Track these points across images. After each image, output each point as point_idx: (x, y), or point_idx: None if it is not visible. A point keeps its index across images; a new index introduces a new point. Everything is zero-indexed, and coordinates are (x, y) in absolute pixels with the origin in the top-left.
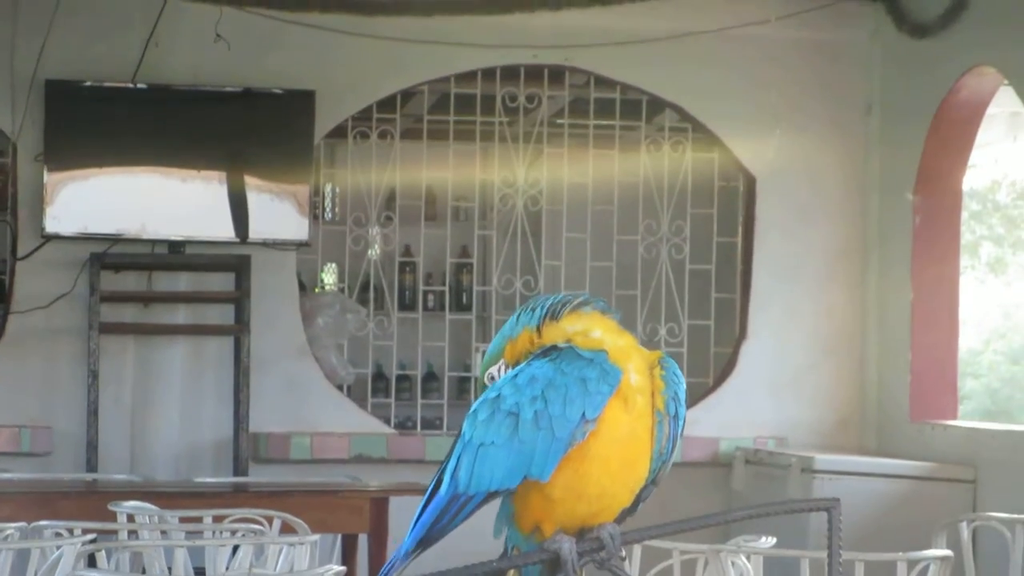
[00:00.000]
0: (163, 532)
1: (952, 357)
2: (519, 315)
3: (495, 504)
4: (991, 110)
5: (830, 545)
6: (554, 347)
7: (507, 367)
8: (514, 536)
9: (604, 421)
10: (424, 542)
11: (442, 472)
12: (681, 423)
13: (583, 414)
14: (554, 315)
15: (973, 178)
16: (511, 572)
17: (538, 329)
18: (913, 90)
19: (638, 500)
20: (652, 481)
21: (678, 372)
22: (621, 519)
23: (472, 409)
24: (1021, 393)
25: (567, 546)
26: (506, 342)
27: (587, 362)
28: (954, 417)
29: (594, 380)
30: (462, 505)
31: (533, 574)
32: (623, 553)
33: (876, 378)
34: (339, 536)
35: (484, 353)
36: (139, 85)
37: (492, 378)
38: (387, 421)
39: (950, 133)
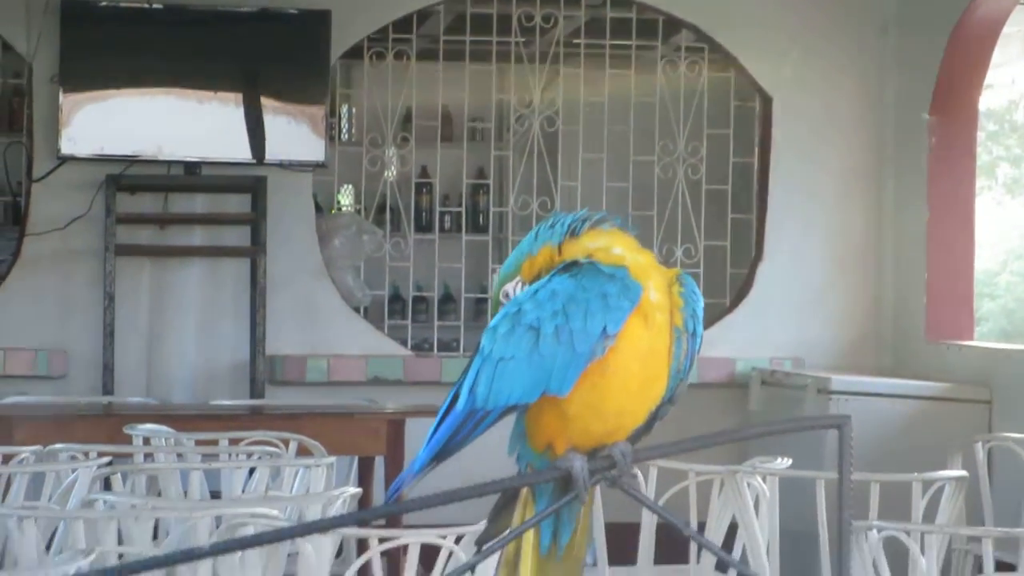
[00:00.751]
0: (179, 455)
1: (968, 277)
2: (538, 232)
3: (509, 421)
4: (1007, 29)
5: (841, 462)
6: (575, 263)
7: (524, 284)
8: (527, 454)
9: (624, 337)
10: (438, 457)
11: (459, 387)
12: (699, 340)
13: (604, 328)
14: (574, 232)
15: (990, 98)
16: (524, 490)
17: (559, 246)
18: (929, 9)
19: (653, 419)
20: (669, 400)
21: (696, 289)
22: (636, 438)
23: (491, 324)
24: None
25: (579, 464)
26: (525, 259)
27: (608, 277)
28: (970, 337)
29: (615, 295)
30: (479, 420)
31: (546, 492)
32: (635, 471)
33: (892, 298)
34: (355, 458)
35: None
36: (155, 5)
37: (507, 295)
38: (404, 343)
39: (966, 52)
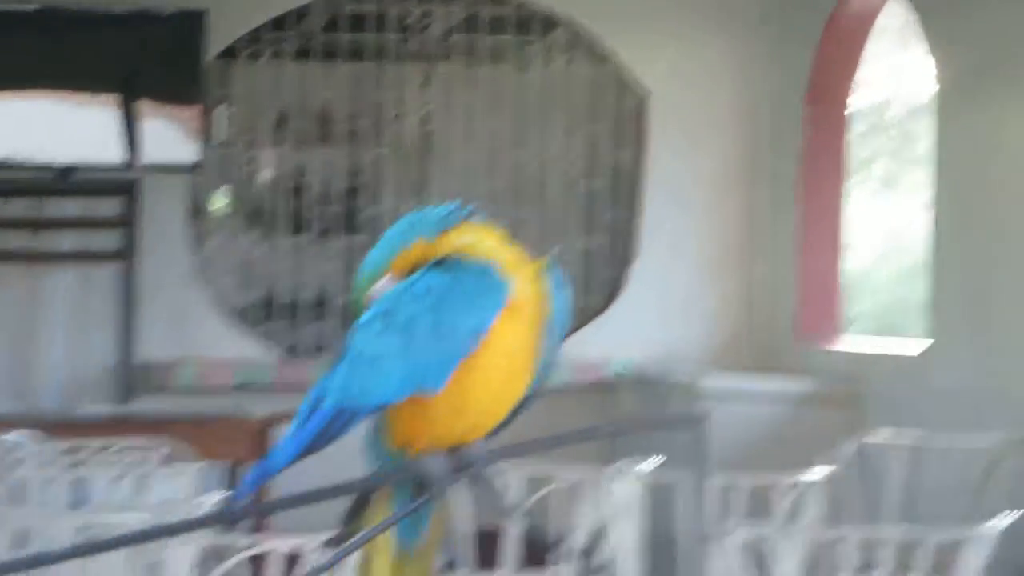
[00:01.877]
0: (42, 463)
1: (836, 278)
2: (410, 225)
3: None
4: (883, 21)
5: (698, 459)
6: (444, 258)
7: (395, 280)
8: (382, 453)
9: (492, 333)
10: (300, 456)
11: (325, 386)
12: (565, 332)
13: (477, 325)
14: (445, 226)
15: (868, 93)
16: (380, 490)
17: (433, 240)
18: (805, 1)
19: (515, 413)
20: (534, 392)
21: (562, 280)
22: (493, 434)
23: (362, 321)
24: (911, 313)
25: (436, 463)
26: (397, 253)
27: (479, 273)
28: (840, 337)
29: (486, 292)
30: (348, 419)
31: (403, 491)
32: (493, 470)
33: (763, 298)
34: (229, 464)
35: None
36: (29, 6)
37: (377, 292)
38: (277, 346)
39: (839, 46)
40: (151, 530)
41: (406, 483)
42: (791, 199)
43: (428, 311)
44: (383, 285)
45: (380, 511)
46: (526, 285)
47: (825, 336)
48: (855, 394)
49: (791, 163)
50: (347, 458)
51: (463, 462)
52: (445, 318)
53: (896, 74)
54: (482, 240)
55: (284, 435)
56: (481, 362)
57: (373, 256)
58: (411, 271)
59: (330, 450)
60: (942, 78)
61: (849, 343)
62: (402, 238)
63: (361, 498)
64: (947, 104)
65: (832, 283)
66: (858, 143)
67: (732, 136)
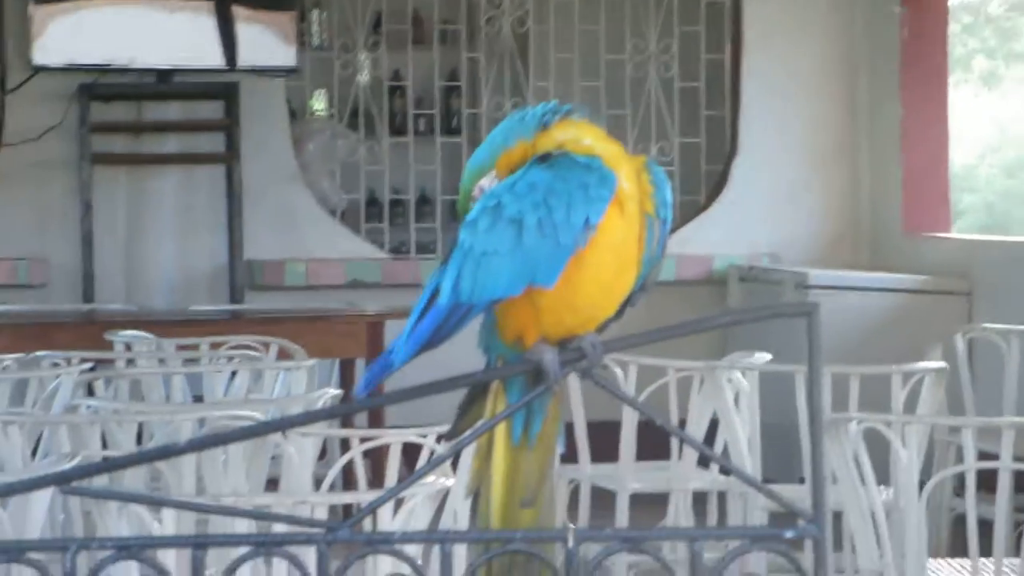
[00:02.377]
0: (160, 360)
1: (943, 169)
2: (511, 125)
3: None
4: None
5: (810, 350)
6: (548, 155)
7: (498, 178)
8: (497, 346)
9: (600, 228)
10: (418, 352)
11: (439, 282)
12: (668, 226)
13: (587, 219)
14: (546, 124)
15: None
16: (495, 382)
17: (533, 139)
18: None
19: (624, 307)
20: (641, 287)
21: (664, 176)
22: (604, 328)
23: (470, 217)
24: (1017, 206)
25: (549, 355)
26: (500, 152)
27: (585, 168)
28: (947, 230)
29: (594, 185)
30: (463, 315)
31: (517, 384)
32: (605, 362)
33: (868, 192)
34: (336, 361)
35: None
36: None
37: (482, 189)
38: (381, 246)
39: None
40: (275, 422)
41: (520, 375)
42: (894, 94)
43: (534, 207)
44: (486, 183)
45: (495, 403)
46: (628, 180)
47: (933, 229)
48: (965, 287)
49: (891, 58)
50: (463, 351)
51: (575, 354)
52: (552, 214)
53: None
54: (583, 136)
55: (401, 332)
56: (591, 256)
57: (476, 157)
58: (514, 170)
59: (447, 343)
60: None
61: (957, 235)
62: (503, 138)
63: (475, 391)
64: None
65: (939, 175)
66: (959, 38)
67: (829, 32)
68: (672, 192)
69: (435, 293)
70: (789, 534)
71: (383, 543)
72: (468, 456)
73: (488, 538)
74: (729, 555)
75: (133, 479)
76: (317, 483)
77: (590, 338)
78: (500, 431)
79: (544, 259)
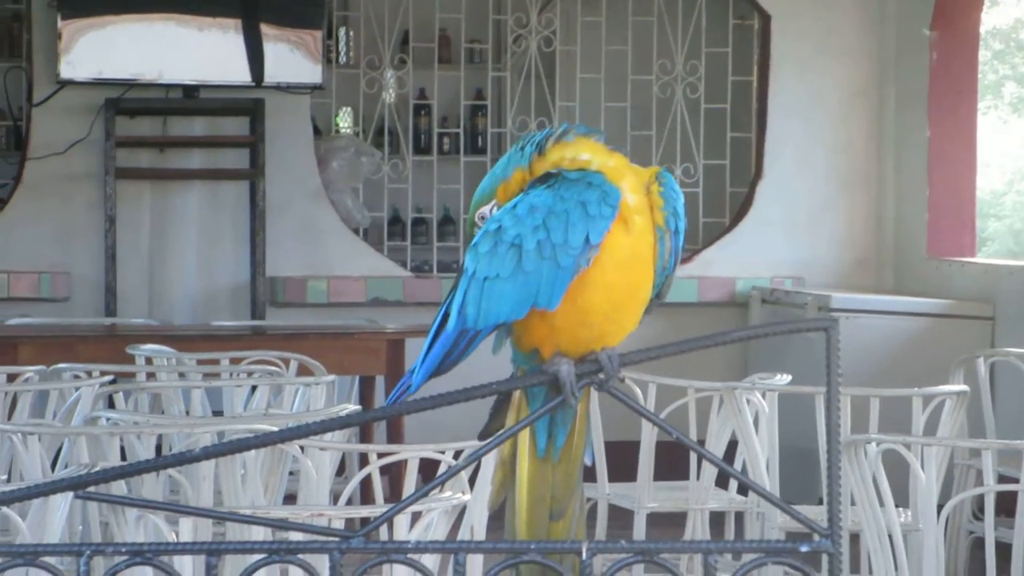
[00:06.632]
0: (181, 374)
1: (970, 194)
2: (510, 156)
3: None
4: None
5: (828, 366)
6: (548, 175)
7: (499, 207)
8: (517, 357)
9: (605, 246)
10: (433, 375)
11: (448, 306)
12: (682, 237)
13: (587, 239)
14: (540, 150)
15: (996, 16)
16: (517, 393)
17: (529, 166)
18: None
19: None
20: (656, 296)
21: (676, 186)
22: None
23: (473, 242)
24: None
25: (565, 368)
26: (499, 183)
27: (586, 185)
28: (972, 254)
29: (594, 203)
30: (471, 339)
31: (538, 395)
32: (622, 375)
33: (893, 216)
34: (356, 378)
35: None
36: None
37: (483, 218)
38: (403, 264)
39: None
40: (292, 430)
41: (541, 388)
42: (920, 118)
43: (533, 230)
44: (487, 211)
45: (517, 414)
46: (635, 193)
47: (957, 254)
48: (988, 312)
49: (918, 82)
50: (488, 363)
51: (593, 367)
52: (551, 236)
53: None
54: (580, 152)
55: (418, 355)
56: (596, 275)
57: (479, 188)
58: (513, 198)
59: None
60: None
61: (980, 259)
62: (503, 169)
63: (501, 400)
64: None
65: (964, 200)
66: (990, 64)
67: (857, 55)
68: (684, 205)
69: (445, 318)
70: (804, 548)
71: (396, 552)
72: (489, 472)
73: (503, 548)
74: (743, 568)
75: (151, 494)
76: (335, 499)
77: (607, 351)
78: (524, 444)
79: (545, 282)
